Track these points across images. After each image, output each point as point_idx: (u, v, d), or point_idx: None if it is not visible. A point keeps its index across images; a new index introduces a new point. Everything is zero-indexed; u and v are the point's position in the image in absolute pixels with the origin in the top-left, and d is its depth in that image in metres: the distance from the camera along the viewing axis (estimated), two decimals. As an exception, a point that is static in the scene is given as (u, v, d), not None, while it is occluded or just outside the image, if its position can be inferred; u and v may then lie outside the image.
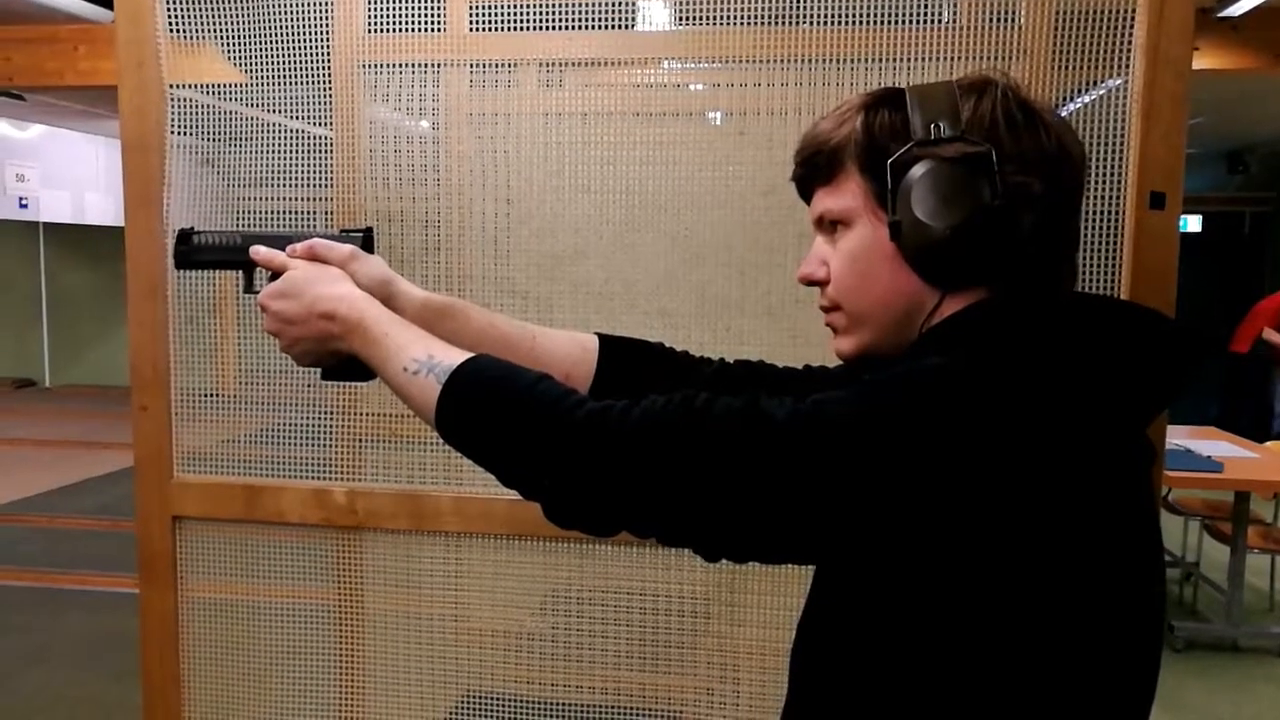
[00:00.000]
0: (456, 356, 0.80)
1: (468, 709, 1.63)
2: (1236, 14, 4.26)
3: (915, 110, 0.76)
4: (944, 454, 0.65)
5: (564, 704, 1.61)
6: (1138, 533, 0.73)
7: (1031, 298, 0.76)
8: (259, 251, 0.96)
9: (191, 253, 1.01)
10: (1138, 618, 0.73)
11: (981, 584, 0.67)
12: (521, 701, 1.62)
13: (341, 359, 0.90)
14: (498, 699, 1.63)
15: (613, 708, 1.60)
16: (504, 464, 0.76)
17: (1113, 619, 0.71)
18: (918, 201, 0.74)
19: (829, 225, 0.82)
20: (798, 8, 1.47)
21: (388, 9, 1.55)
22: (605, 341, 1.02)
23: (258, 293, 0.94)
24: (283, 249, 0.95)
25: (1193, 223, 9.11)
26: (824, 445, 0.66)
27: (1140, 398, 0.73)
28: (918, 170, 0.75)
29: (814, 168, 0.82)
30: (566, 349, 1.01)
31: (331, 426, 1.63)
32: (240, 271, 0.99)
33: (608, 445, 0.70)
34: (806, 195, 0.84)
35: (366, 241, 0.98)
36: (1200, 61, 4.29)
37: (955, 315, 0.77)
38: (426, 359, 0.80)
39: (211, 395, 1.66)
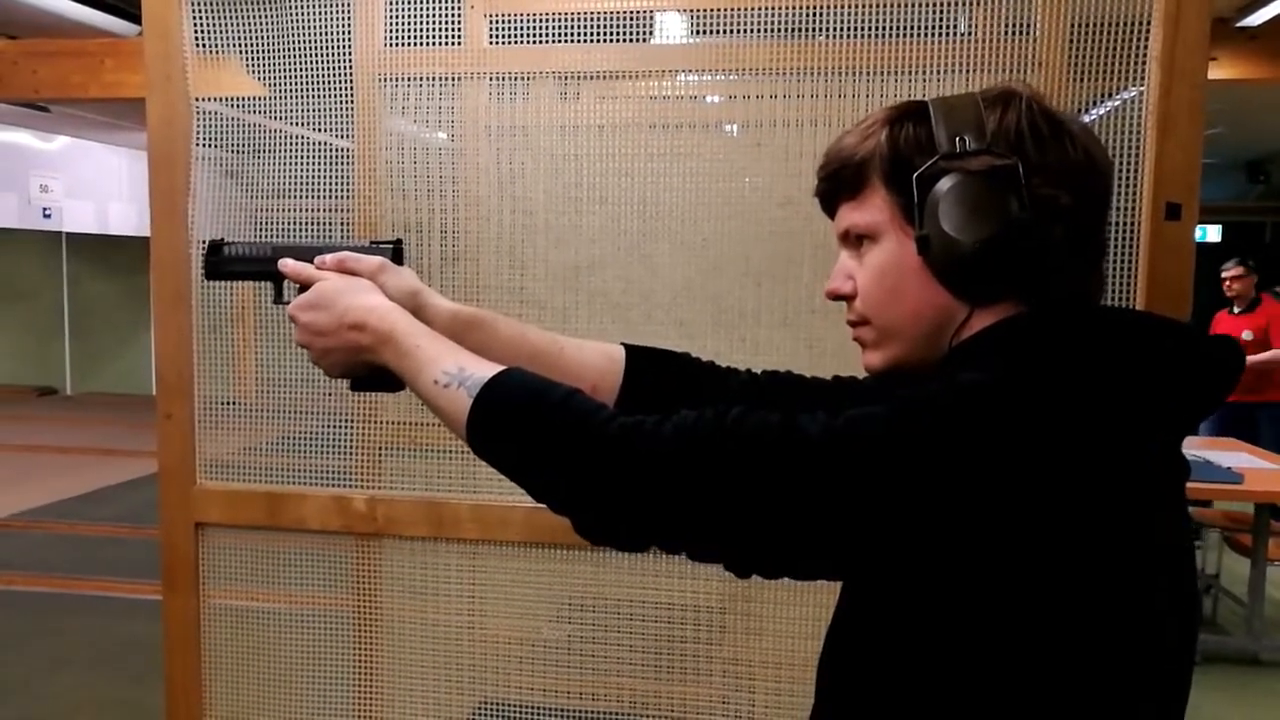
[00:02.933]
0: (487, 369, 0.80)
1: (484, 716, 1.64)
2: (1255, 23, 4.24)
3: (940, 123, 0.76)
4: (981, 470, 0.65)
5: (579, 711, 1.62)
6: (1173, 549, 0.73)
7: (1064, 312, 0.76)
8: (288, 265, 0.96)
9: (222, 264, 1.02)
10: (1172, 633, 0.73)
11: (1017, 599, 0.67)
12: (537, 709, 1.63)
13: (371, 370, 0.90)
14: (514, 706, 1.64)
15: (628, 716, 1.60)
16: (534, 479, 0.76)
17: (1148, 633, 0.71)
18: (945, 215, 0.74)
19: (855, 240, 0.82)
20: (814, 20, 1.48)
21: (407, 23, 1.57)
22: (632, 352, 1.02)
23: (287, 304, 0.94)
24: (312, 260, 0.96)
25: (1212, 233, 9.05)
26: (860, 462, 0.66)
27: (1175, 413, 0.73)
28: (944, 184, 0.75)
29: (839, 182, 0.82)
30: (594, 360, 1.00)
31: (352, 435, 1.65)
32: (270, 283, 1.00)
33: (639, 462, 0.70)
34: (831, 210, 0.84)
35: (396, 253, 0.99)
36: (1219, 71, 4.27)
37: (987, 330, 0.76)
38: (457, 371, 0.80)
39: (234, 404, 1.68)
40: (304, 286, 0.94)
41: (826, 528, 0.67)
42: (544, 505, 0.77)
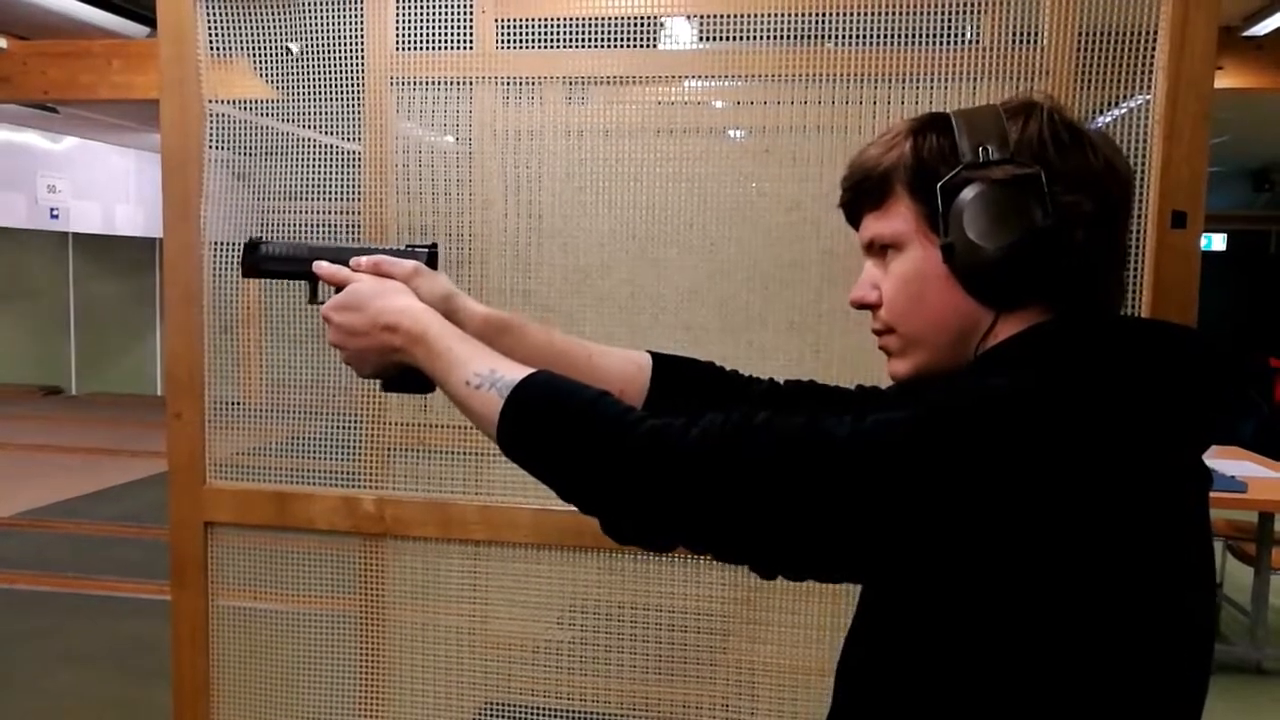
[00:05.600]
0: (519, 371, 0.81)
1: (488, 717, 1.64)
2: (1261, 33, 4.25)
3: (963, 134, 0.78)
4: (1008, 477, 0.65)
5: (582, 714, 1.62)
6: (1195, 556, 0.73)
7: (1089, 320, 0.77)
8: (323, 267, 0.98)
9: (259, 262, 1.03)
10: (1192, 640, 0.73)
11: (1041, 603, 0.67)
12: (541, 711, 1.63)
13: (403, 371, 0.92)
14: (518, 708, 1.64)
15: (630, 719, 1.61)
16: (564, 478, 0.77)
17: (1169, 640, 0.71)
18: (970, 223, 0.75)
19: (879, 249, 0.83)
20: (821, 27, 1.49)
21: (418, 27, 1.58)
22: (658, 360, 1.04)
23: (322, 304, 0.96)
24: (347, 262, 0.97)
25: (1217, 241, 9.05)
26: (886, 465, 0.67)
27: (1197, 422, 0.73)
28: (969, 193, 0.76)
29: (863, 193, 0.83)
30: (621, 366, 1.02)
31: (360, 436, 1.66)
32: (305, 283, 1.01)
33: (668, 462, 0.71)
34: (855, 221, 0.86)
35: (431, 258, 1.00)
36: (1225, 80, 4.27)
37: (1014, 338, 0.77)
38: (489, 373, 0.82)
39: (243, 404, 1.69)
40: (339, 288, 0.95)
41: (852, 530, 0.67)
42: (572, 506, 0.78)
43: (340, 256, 0.98)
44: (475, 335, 0.91)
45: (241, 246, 1.04)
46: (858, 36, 1.48)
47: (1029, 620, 0.68)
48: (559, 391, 0.79)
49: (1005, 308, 0.77)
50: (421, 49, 1.59)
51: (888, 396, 0.99)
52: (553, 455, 0.77)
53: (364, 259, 0.97)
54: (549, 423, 0.77)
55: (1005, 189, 0.75)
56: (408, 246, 1.01)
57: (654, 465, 0.72)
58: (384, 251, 0.98)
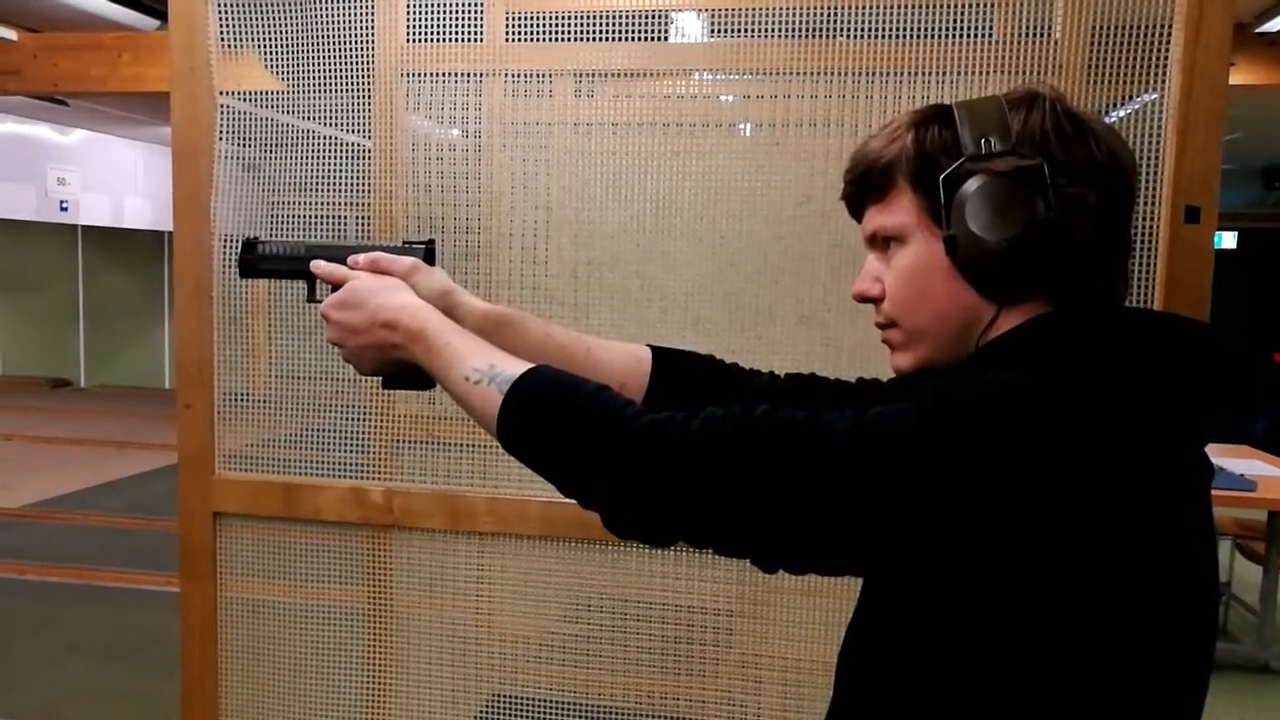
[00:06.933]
0: (518, 366, 0.81)
1: (495, 709, 1.65)
2: (1274, 30, 4.22)
3: (965, 126, 0.77)
4: (1010, 470, 0.65)
5: (589, 706, 1.62)
6: (1196, 549, 0.73)
7: (1091, 312, 0.76)
8: (320, 266, 0.98)
9: (256, 262, 1.03)
10: (1194, 632, 0.73)
11: (1040, 594, 0.67)
12: (547, 704, 1.64)
13: (402, 368, 0.92)
14: (525, 700, 1.64)
15: (636, 712, 1.61)
16: (564, 473, 0.77)
17: (1170, 631, 0.71)
18: (972, 216, 0.75)
19: (882, 242, 0.83)
20: (832, 21, 1.49)
21: (428, 19, 1.58)
22: (658, 354, 1.03)
23: (320, 302, 0.96)
24: (345, 260, 0.97)
25: (1228, 239, 9.00)
26: (886, 459, 0.67)
27: (1201, 415, 0.73)
28: (971, 185, 0.76)
29: (865, 185, 0.83)
30: (621, 360, 1.02)
31: (369, 428, 1.66)
32: (304, 281, 1.01)
33: (668, 456, 0.71)
34: (857, 213, 0.85)
35: (428, 254, 1.00)
36: (1237, 77, 4.24)
37: (1015, 329, 0.77)
38: (488, 368, 0.82)
39: (252, 395, 1.70)
40: (336, 286, 0.95)
41: (852, 522, 0.67)
42: (572, 500, 0.78)
43: (337, 254, 0.98)
44: (474, 330, 0.90)
45: (240, 245, 1.04)
46: (869, 31, 1.47)
47: (1029, 611, 0.68)
48: (558, 385, 0.79)
49: (1008, 300, 0.77)
50: (431, 41, 1.59)
51: (888, 389, 0.98)
52: (552, 449, 0.77)
53: (361, 256, 0.97)
54: (548, 417, 0.77)
55: (1008, 181, 0.75)
56: (404, 243, 1.01)
57: (654, 459, 0.72)
58: (381, 248, 0.98)
